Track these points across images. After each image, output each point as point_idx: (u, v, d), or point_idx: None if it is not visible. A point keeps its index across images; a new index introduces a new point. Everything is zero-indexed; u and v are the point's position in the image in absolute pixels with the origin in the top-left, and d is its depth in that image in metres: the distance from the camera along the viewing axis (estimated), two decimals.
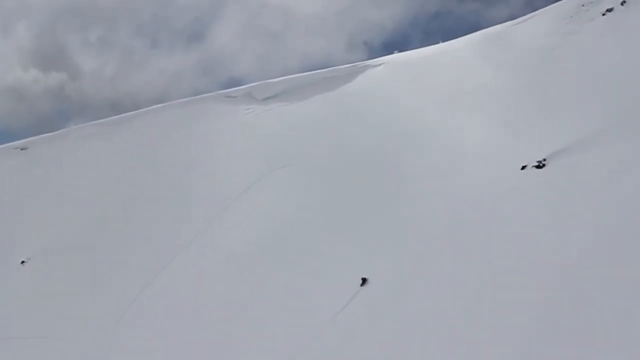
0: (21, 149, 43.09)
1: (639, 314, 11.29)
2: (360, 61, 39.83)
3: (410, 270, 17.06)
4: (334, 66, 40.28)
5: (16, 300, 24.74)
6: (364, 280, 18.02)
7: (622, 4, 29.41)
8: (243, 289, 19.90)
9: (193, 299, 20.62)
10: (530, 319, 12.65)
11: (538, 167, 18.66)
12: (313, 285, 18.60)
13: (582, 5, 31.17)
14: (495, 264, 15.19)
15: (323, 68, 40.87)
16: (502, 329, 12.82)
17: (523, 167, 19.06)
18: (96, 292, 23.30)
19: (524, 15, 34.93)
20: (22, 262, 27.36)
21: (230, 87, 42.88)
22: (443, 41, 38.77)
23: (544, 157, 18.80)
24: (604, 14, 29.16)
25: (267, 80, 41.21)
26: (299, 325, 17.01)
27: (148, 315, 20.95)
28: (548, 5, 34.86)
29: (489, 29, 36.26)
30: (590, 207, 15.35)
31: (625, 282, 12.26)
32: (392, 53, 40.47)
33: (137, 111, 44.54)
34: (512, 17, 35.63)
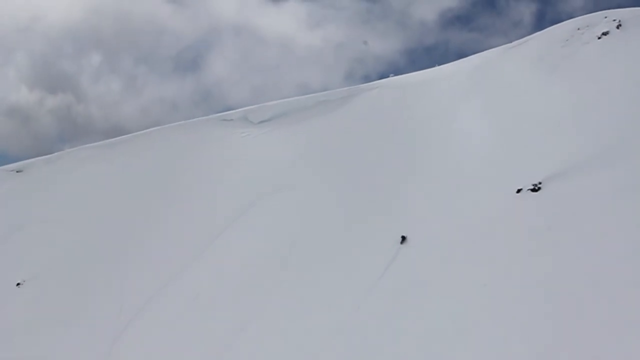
0: (17, 172, 43.00)
1: (635, 339, 11.22)
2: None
3: (403, 293, 16.94)
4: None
5: (12, 322, 24.60)
6: (404, 238, 19.35)
7: (617, 27, 29.45)
8: (240, 313, 19.75)
9: (189, 321, 20.49)
10: (523, 344, 12.56)
11: (533, 190, 18.58)
12: (310, 309, 18.46)
13: (578, 29, 31.20)
14: (490, 287, 15.10)
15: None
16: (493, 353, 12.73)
17: (518, 191, 18.97)
18: (92, 314, 23.16)
19: None
20: (18, 284, 27.24)
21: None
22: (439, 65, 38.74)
23: (540, 181, 18.73)
24: (599, 38, 29.17)
25: (262, 104, 41.15)
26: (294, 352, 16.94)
27: (144, 337, 20.80)
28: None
29: (485, 52, 36.28)
30: (585, 232, 15.27)
31: (620, 307, 12.17)
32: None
33: (132, 134, 44.43)
34: None
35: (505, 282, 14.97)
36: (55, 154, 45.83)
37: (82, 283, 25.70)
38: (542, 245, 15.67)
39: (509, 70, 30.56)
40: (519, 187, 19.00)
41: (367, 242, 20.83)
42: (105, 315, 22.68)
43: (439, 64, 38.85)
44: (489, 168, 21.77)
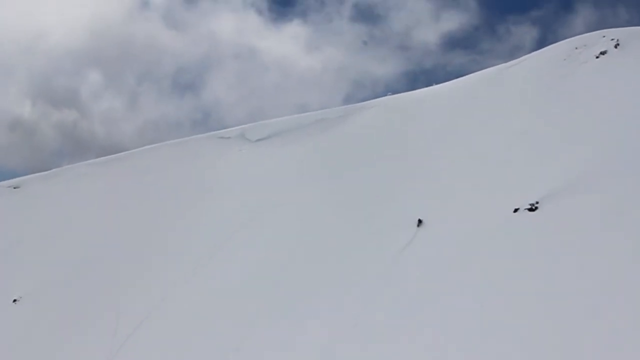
0: (14, 188, 42.97)
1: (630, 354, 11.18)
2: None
3: (399, 311, 16.82)
4: None
5: (8, 338, 24.49)
6: (420, 222, 20.81)
7: (615, 46, 29.50)
8: (237, 330, 19.58)
9: (185, 339, 20.31)
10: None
11: (531, 209, 18.49)
12: (307, 325, 18.31)
13: (576, 48, 31.25)
14: (487, 308, 15.00)
15: None
16: None
17: (516, 210, 18.88)
18: (88, 331, 23.02)
19: None
20: (15, 300, 27.15)
21: None
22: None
23: (537, 200, 18.64)
24: (597, 57, 29.21)
25: (260, 122, 41.19)
26: None
27: (140, 355, 20.64)
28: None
29: (483, 71, 36.32)
30: (582, 251, 15.17)
31: (618, 326, 12.10)
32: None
33: (130, 151, 44.55)
34: None
35: (502, 300, 14.87)
36: (52, 170, 45.92)
37: (78, 300, 25.59)
38: (539, 265, 15.58)
39: (507, 89, 30.56)
40: (516, 207, 18.90)
41: (363, 258, 20.74)
42: (101, 332, 22.54)
43: (437, 84, 38.84)
44: (486, 187, 21.68)
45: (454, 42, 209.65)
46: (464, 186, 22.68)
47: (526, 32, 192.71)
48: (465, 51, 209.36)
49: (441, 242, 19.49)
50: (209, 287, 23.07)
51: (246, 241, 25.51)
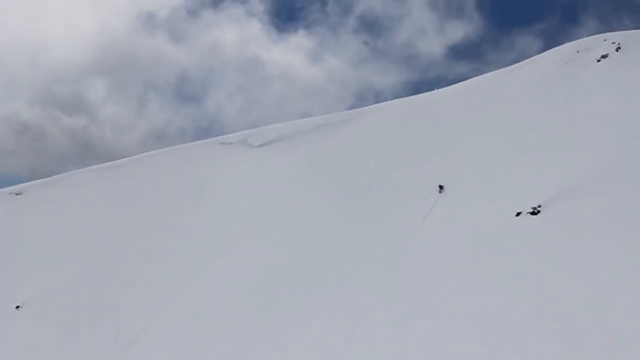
0: (16, 194, 42.95)
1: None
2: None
3: (402, 318, 16.76)
4: None
5: (11, 345, 24.44)
6: (441, 187, 23.06)
7: (617, 50, 29.45)
8: (240, 334, 19.50)
9: (189, 343, 20.24)
10: None
11: (533, 213, 18.43)
12: (303, 334, 18.24)
13: (577, 52, 31.21)
14: (488, 310, 14.94)
15: None
16: None
17: (518, 214, 18.83)
18: (91, 337, 22.96)
19: None
20: (17, 307, 27.11)
21: None
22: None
23: (539, 204, 18.59)
24: (598, 60, 29.17)
25: (261, 127, 41.19)
26: None
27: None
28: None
29: (484, 75, 36.27)
30: (584, 255, 15.12)
31: (619, 329, 12.06)
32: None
33: (131, 157, 44.56)
34: None
35: (503, 306, 14.81)
36: (55, 176, 45.91)
37: (81, 306, 25.55)
38: (542, 269, 15.53)
39: (508, 92, 30.49)
40: (519, 210, 18.86)
41: (365, 263, 20.69)
42: (104, 338, 22.52)
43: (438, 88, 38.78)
44: (488, 191, 21.65)
45: (459, 54, 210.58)
46: (465, 190, 22.65)
47: (530, 43, 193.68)
48: (470, 62, 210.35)
49: (443, 246, 19.43)
50: (211, 291, 23.02)
51: (248, 246, 25.48)
